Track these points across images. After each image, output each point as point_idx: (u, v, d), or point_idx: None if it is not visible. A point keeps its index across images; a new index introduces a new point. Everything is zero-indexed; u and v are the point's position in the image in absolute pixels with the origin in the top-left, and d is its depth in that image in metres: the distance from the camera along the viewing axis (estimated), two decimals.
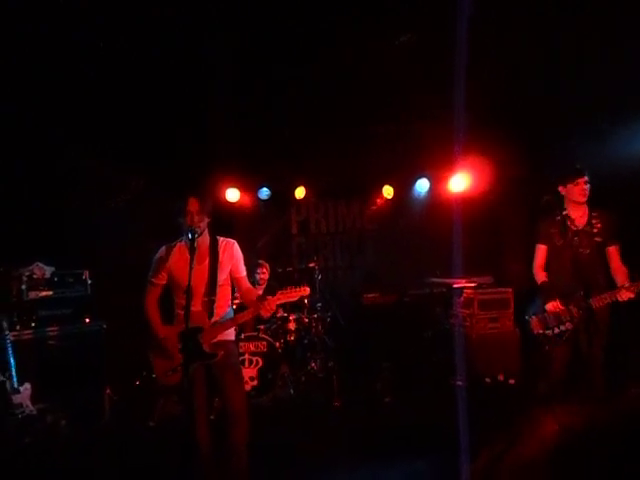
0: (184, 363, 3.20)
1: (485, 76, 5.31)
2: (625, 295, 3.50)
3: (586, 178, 3.74)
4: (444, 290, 6.47)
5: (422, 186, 7.78)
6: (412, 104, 6.09)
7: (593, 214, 3.82)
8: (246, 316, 3.47)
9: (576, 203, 3.81)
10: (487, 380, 5.71)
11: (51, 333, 5.11)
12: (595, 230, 3.76)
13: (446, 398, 5.10)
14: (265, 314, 3.40)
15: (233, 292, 3.63)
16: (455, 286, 6.21)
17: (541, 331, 3.69)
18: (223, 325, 3.42)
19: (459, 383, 5.69)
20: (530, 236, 4.10)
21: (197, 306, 3.34)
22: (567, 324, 3.64)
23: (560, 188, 3.87)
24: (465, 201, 6.87)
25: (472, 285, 6.09)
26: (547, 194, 3.76)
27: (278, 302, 3.40)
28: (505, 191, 6.91)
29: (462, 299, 6.18)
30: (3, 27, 4.20)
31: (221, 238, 3.55)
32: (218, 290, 3.41)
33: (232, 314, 3.58)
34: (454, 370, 5.77)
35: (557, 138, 5.96)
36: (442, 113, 5.43)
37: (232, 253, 3.51)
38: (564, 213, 3.84)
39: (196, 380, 3.30)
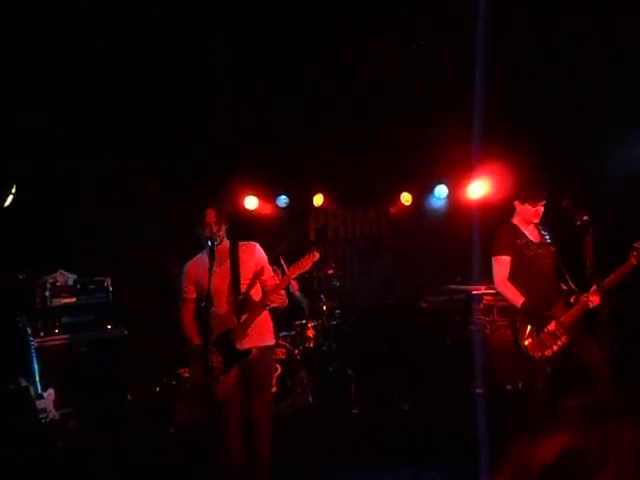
0: (225, 368, 3.25)
1: (505, 81, 5.30)
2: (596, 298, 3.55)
3: (544, 202, 3.74)
4: (463, 297, 6.41)
5: (440, 192, 7.75)
6: (431, 110, 6.08)
7: (539, 227, 3.87)
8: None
9: (526, 222, 3.84)
10: (508, 388, 5.64)
11: (74, 339, 5.19)
12: (549, 241, 3.80)
13: (466, 406, 5.06)
14: (271, 302, 3.36)
15: None
16: (475, 293, 6.15)
17: (539, 354, 3.59)
18: (251, 315, 3.35)
19: (479, 391, 5.63)
20: None
21: (223, 308, 3.36)
22: (562, 338, 3.58)
23: (516, 203, 3.84)
24: (484, 207, 6.83)
25: (492, 292, 6.02)
26: (565, 199, 3.71)
27: (289, 280, 3.41)
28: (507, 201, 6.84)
29: (482, 306, 6.12)
30: (8, 29, 4.26)
31: (242, 242, 3.57)
32: (247, 289, 3.42)
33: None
34: (474, 378, 5.72)
35: (578, 144, 5.90)
36: (461, 119, 5.41)
37: (253, 252, 3.52)
38: (517, 225, 3.85)
39: (233, 389, 3.30)
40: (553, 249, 3.77)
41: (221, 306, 3.35)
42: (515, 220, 3.89)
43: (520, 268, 3.76)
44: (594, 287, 3.56)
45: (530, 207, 3.75)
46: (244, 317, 3.35)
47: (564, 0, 4.50)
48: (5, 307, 4.96)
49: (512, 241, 3.79)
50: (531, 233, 3.85)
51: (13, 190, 5.17)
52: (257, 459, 3.37)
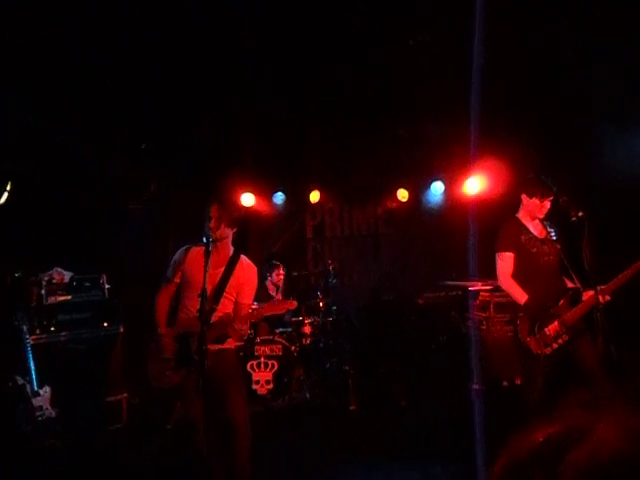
0: (175, 366, 3.23)
1: (501, 78, 5.29)
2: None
3: (552, 198, 3.71)
4: (459, 293, 6.43)
5: (437, 189, 7.75)
6: (426, 107, 6.08)
7: (544, 223, 3.83)
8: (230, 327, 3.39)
9: (531, 216, 3.82)
10: (505, 384, 5.66)
11: (70, 337, 5.17)
12: (555, 237, 3.77)
13: (463, 402, 5.07)
14: (234, 334, 3.36)
15: None
16: (471, 289, 6.16)
17: (540, 351, 3.59)
18: (217, 331, 3.30)
19: (475, 387, 5.65)
20: None
21: (194, 309, 3.26)
22: (564, 336, 3.58)
23: (523, 196, 3.81)
24: (480, 204, 6.83)
25: (488, 288, 6.04)
26: (561, 196, 3.70)
27: (261, 316, 3.46)
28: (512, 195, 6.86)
29: (478, 302, 6.13)
30: (7, 26, 4.23)
31: (244, 257, 3.52)
32: (221, 301, 3.37)
33: None
34: (470, 374, 5.74)
35: (574, 140, 5.92)
36: (457, 115, 5.41)
37: (248, 275, 3.47)
38: (522, 221, 3.83)
39: (189, 387, 3.21)
40: (558, 246, 3.73)
41: (193, 306, 3.27)
42: (520, 215, 3.86)
43: (524, 265, 3.75)
44: (609, 285, 3.52)
45: (537, 201, 3.72)
46: (210, 325, 3.28)
47: None
48: (1, 305, 4.95)
49: (516, 237, 3.77)
50: (535, 228, 3.82)
51: (8, 187, 5.15)
52: (236, 467, 3.30)
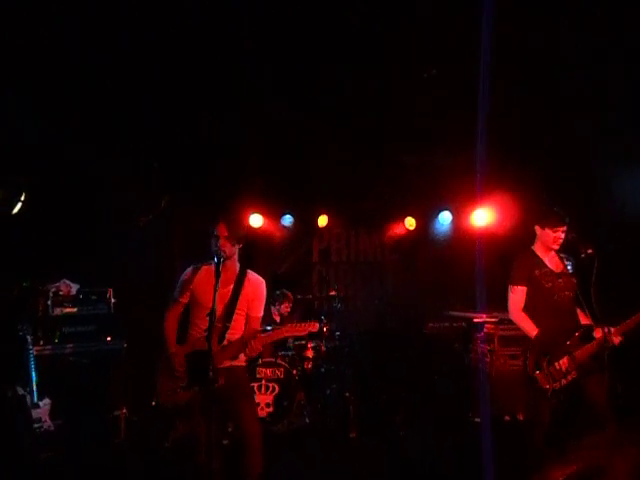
0: (187, 384, 3.25)
1: (509, 110, 5.36)
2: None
3: (565, 228, 3.72)
4: (464, 324, 6.40)
5: (444, 219, 7.79)
6: (436, 137, 6.15)
7: (561, 255, 3.83)
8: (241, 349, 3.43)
9: (546, 248, 3.81)
10: (507, 418, 5.60)
11: (72, 350, 5.16)
12: (571, 271, 3.76)
13: (463, 434, 5.02)
14: (249, 353, 3.38)
15: None
16: (476, 321, 6.14)
17: (548, 386, 3.56)
18: (231, 349, 3.39)
19: (477, 420, 5.59)
20: None
21: (205, 328, 3.29)
22: (573, 373, 3.56)
23: (536, 227, 3.82)
24: (488, 236, 6.86)
25: (493, 320, 6.02)
26: (570, 232, 3.72)
27: (281, 336, 3.43)
28: (528, 226, 6.87)
29: (482, 334, 6.10)
30: (22, 29, 4.28)
31: (250, 272, 3.57)
32: (234, 318, 3.43)
33: None
34: (472, 406, 5.68)
35: (585, 175, 5.96)
36: (466, 147, 5.47)
37: (257, 289, 3.53)
38: (537, 254, 3.82)
39: (196, 406, 3.26)
40: (574, 280, 3.72)
41: (204, 325, 3.30)
42: (535, 247, 3.85)
43: (537, 299, 3.73)
44: (619, 327, 3.53)
45: (550, 232, 3.73)
46: (224, 346, 3.35)
47: (572, 27, 4.55)
48: (7, 314, 4.96)
49: (530, 271, 3.75)
50: (551, 261, 3.80)
51: (22, 198, 5.21)
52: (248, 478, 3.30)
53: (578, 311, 3.78)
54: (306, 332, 3.43)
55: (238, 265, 3.54)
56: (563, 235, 3.73)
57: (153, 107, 5.45)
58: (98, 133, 5.59)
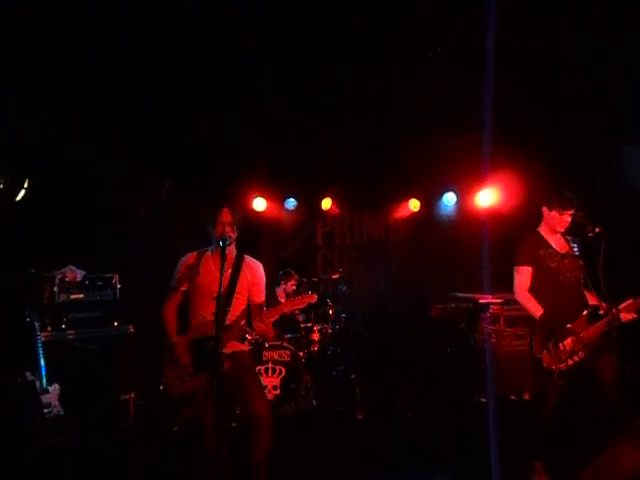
0: (194, 371, 3.25)
1: (515, 89, 5.30)
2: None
3: (573, 211, 3.70)
4: (470, 305, 6.41)
5: (449, 200, 7.75)
6: (440, 117, 6.10)
7: (567, 237, 3.81)
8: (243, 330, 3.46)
9: (552, 230, 3.80)
10: (512, 398, 5.63)
11: (80, 335, 5.19)
12: (577, 253, 3.75)
13: (470, 415, 5.05)
14: (259, 332, 3.43)
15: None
16: (481, 301, 6.14)
17: (554, 367, 3.55)
18: (233, 332, 3.41)
19: (483, 400, 5.62)
20: None
21: (210, 316, 3.32)
22: (580, 353, 3.55)
23: (543, 209, 3.81)
24: (493, 216, 6.83)
25: (499, 301, 6.02)
26: (579, 211, 3.69)
27: (280, 312, 3.42)
28: (534, 206, 6.84)
29: (488, 315, 6.11)
30: (22, 29, 4.27)
31: (247, 256, 3.60)
32: (233, 302, 3.44)
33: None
34: (478, 386, 5.71)
35: (589, 152, 5.90)
36: (470, 126, 5.42)
37: (255, 273, 3.56)
38: (542, 235, 3.80)
39: (201, 392, 3.29)
40: (581, 261, 3.71)
41: (209, 314, 3.33)
42: (541, 229, 3.84)
43: (542, 280, 3.72)
44: (628, 302, 3.53)
45: (557, 214, 3.72)
46: (225, 326, 3.35)
47: (580, 7, 4.49)
48: (14, 301, 4.98)
49: (535, 252, 3.74)
50: (557, 243, 3.79)
51: (25, 185, 5.20)
52: (257, 461, 3.34)
53: (586, 292, 3.76)
54: (305, 304, 3.42)
55: (235, 250, 3.55)
56: (569, 219, 3.71)
57: (153, 107, 5.41)
58: (100, 121, 5.57)
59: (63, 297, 5.22)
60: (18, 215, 5.29)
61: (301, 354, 5.67)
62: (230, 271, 3.46)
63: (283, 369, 5.53)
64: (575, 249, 3.76)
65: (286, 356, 5.57)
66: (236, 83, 5.46)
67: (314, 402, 5.67)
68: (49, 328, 5.06)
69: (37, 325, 4.78)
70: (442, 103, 5.69)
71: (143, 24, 4.45)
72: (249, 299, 3.56)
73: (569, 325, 3.59)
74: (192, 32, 4.62)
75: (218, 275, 3.17)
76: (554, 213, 3.73)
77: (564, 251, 3.77)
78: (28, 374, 4.64)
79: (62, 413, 4.65)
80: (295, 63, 5.30)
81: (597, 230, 3.53)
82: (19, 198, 5.21)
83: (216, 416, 3.05)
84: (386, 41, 4.98)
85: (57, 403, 4.66)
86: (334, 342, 6.12)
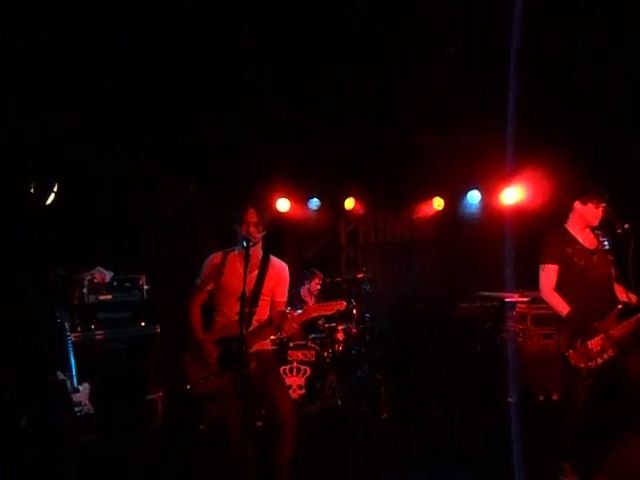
0: (219, 370, 3.28)
1: (540, 86, 5.23)
2: None
3: (605, 204, 3.63)
4: (495, 304, 6.33)
5: (473, 198, 7.67)
6: (463, 115, 6.04)
7: (596, 232, 3.72)
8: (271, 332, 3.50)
9: (584, 224, 3.71)
10: (540, 398, 5.55)
11: (108, 335, 5.30)
12: (607, 248, 3.66)
13: (496, 414, 4.99)
14: (286, 333, 3.45)
15: None
16: (507, 300, 6.06)
17: (583, 365, 3.47)
18: (259, 334, 3.43)
19: (510, 399, 5.55)
20: None
21: (235, 315, 3.34)
22: (609, 351, 3.47)
23: (577, 203, 3.70)
24: (519, 213, 6.73)
25: (525, 300, 5.94)
26: (608, 207, 3.61)
27: (309, 317, 3.45)
28: (561, 203, 6.73)
29: (515, 314, 6.03)
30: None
31: (273, 257, 3.61)
32: (259, 303, 3.46)
33: None
34: (505, 386, 5.64)
35: (617, 149, 5.78)
36: (494, 124, 5.36)
37: (281, 274, 3.57)
38: (570, 231, 3.72)
39: (227, 391, 3.29)
40: (610, 257, 3.63)
41: (232, 310, 3.37)
42: (569, 224, 3.76)
43: (570, 277, 3.65)
44: None
45: (593, 208, 3.63)
46: (251, 330, 3.37)
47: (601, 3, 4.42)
48: (45, 302, 5.11)
49: (561, 249, 3.67)
50: (585, 239, 3.71)
51: (55, 189, 5.32)
52: (280, 461, 3.33)
53: (618, 288, 3.68)
54: (334, 310, 3.44)
55: (261, 251, 3.57)
56: (603, 212, 3.64)
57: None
58: (128, 124, 5.65)
59: (92, 298, 5.32)
60: (48, 218, 5.41)
61: (325, 354, 5.68)
62: (256, 272, 3.47)
63: (308, 369, 5.55)
64: (606, 244, 3.68)
65: (311, 356, 5.59)
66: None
67: (339, 402, 5.68)
68: (79, 328, 5.17)
69: (67, 326, 4.90)
70: (465, 99, 5.65)
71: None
72: (271, 298, 3.57)
73: (598, 323, 3.52)
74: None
75: (243, 275, 3.20)
76: (589, 206, 3.64)
77: (592, 247, 3.68)
78: (59, 373, 4.76)
79: (92, 412, 4.76)
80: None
81: (626, 227, 3.46)
82: (49, 202, 5.33)
83: (241, 416, 3.08)
84: (410, 37, 4.94)
85: (87, 402, 4.77)
86: (358, 342, 6.12)
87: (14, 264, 5.20)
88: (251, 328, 3.40)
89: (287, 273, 3.63)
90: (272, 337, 3.61)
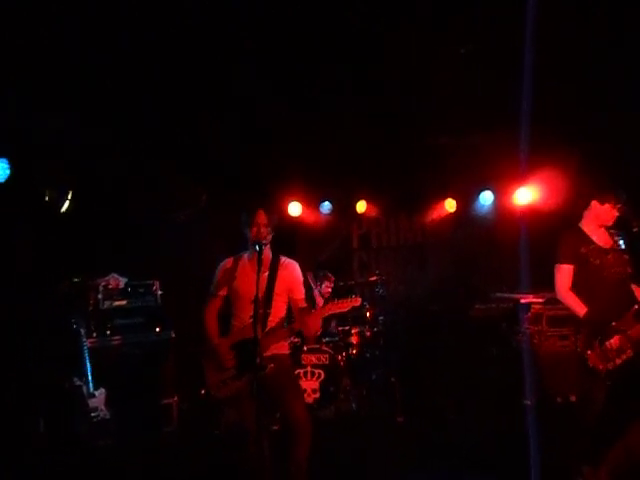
0: (237, 374, 3.29)
1: (554, 86, 5.18)
2: None
3: (622, 204, 3.58)
4: (511, 305, 6.28)
5: (486, 199, 7.63)
6: (475, 116, 6.01)
7: (611, 231, 3.66)
8: (294, 327, 3.53)
9: (600, 224, 3.66)
10: (558, 400, 5.48)
11: (124, 341, 5.33)
12: (622, 247, 3.60)
13: (513, 417, 4.94)
14: (307, 333, 3.51)
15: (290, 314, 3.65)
16: (522, 301, 6.01)
17: (601, 366, 3.41)
18: (275, 335, 3.44)
19: (527, 402, 5.49)
20: None
21: (249, 318, 3.34)
22: (628, 352, 3.42)
23: (594, 202, 3.65)
24: (532, 214, 6.68)
25: (540, 300, 5.88)
26: (623, 206, 3.57)
27: (325, 314, 3.46)
28: (575, 203, 6.66)
29: (530, 315, 5.97)
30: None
31: (283, 256, 3.62)
32: (273, 304, 3.46)
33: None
34: (521, 388, 5.58)
35: (631, 148, 5.72)
36: (507, 124, 5.33)
37: (292, 272, 3.58)
38: (584, 230, 3.67)
39: (242, 397, 3.31)
40: (626, 256, 3.58)
41: (247, 314, 3.38)
42: (583, 224, 3.71)
43: (585, 277, 3.59)
44: None
45: (610, 208, 3.59)
46: (267, 332, 3.39)
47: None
48: (61, 308, 5.15)
49: (576, 249, 3.61)
50: (600, 238, 3.66)
51: (69, 196, 5.38)
52: (295, 465, 3.32)
53: (635, 287, 3.63)
54: (349, 307, 3.43)
55: (271, 252, 3.58)
56: (618, 213, 3.60)
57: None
58: (142, 132, 5.69)
59: (107, 304, 5.36)
60: (63, 226, 5.46)
61: (339, 357, 5.67)
62: (267, 273, 3.48)
63: (322, 372, 5.53)
64: (620, 243, 3.63)
65: (325, 359, 5.58)
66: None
67: (354, 405, 5.66)
68: (94, 334, 5.20)
69: (83, 332, 4.93)
70: (477, 99, 5.61)
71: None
72: (290, 298, 3.58)
73: (615, 323, 3.47)
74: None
75: (255, 278, 3.22)
76: (607, 206, 3.60)
77: (608, 246, 3.63)
78: (76, 379, 4.79)
79: (108, 417, 4.79)
80: (329, 63, 5.29)
81: None
82: (64, 210, 5.38)
83: (257, 419, 3.07)
84: (421, 37, 4.91)
85: (103, 407, 4.79)
86: (373, 345, 6.10)
87: (29, 272, 5.25)
88: (267, 329, 3.42)
89: (299, 270, 3.64)
90: (292, 339, 3.61)
